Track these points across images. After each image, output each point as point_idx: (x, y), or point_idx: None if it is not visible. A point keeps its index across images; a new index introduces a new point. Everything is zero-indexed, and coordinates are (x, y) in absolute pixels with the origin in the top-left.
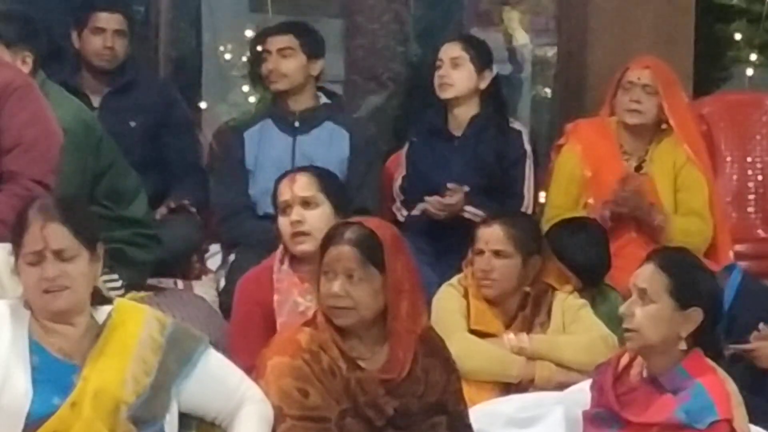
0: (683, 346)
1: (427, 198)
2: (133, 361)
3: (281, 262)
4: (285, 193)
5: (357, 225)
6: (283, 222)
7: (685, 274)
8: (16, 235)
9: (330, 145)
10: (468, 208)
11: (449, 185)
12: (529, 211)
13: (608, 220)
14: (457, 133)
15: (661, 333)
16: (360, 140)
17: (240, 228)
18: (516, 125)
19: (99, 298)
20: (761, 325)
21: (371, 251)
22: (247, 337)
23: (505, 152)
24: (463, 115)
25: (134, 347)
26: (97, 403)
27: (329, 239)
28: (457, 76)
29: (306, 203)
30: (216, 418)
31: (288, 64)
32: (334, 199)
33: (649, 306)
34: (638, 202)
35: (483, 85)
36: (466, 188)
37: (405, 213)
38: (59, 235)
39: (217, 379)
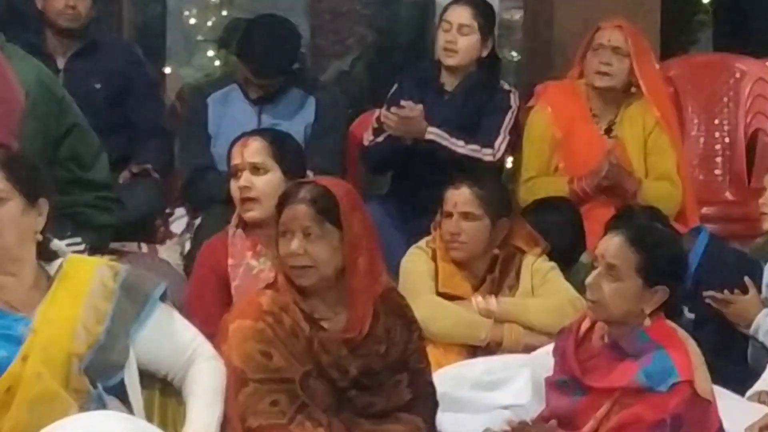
0: (647, 322)
1: (383, 112)
2: (84, 311)
3: (236, 226)
4: (236, 157)
5: (311, 184)
6: (234, 186)
7: (656, 252)
8: None
9: (296, 113)
10: (432, 129)
11: (403, 102)
12: (497, 157)
13: (590, 192)
14: (449, 88)
15: (625, 308)
16: (324, 103)
17: (206, 187)
18: (506, 86)
19: (50, 253)
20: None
21: (327, 208)
22: (202, 303)
23: (488, 108)
24: (459, 73)
25: (85, 296)
26: (47, 356)
27: (284, 200)
28: (463, 43)
29: (255, 169)
30: (168, 374)
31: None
32: (285, 164)
33: (617, 283)
34: (621, 175)
35: (485, 53)
36: (420, 106)
37: (371, 137)
38: None
39: (170, 331)
